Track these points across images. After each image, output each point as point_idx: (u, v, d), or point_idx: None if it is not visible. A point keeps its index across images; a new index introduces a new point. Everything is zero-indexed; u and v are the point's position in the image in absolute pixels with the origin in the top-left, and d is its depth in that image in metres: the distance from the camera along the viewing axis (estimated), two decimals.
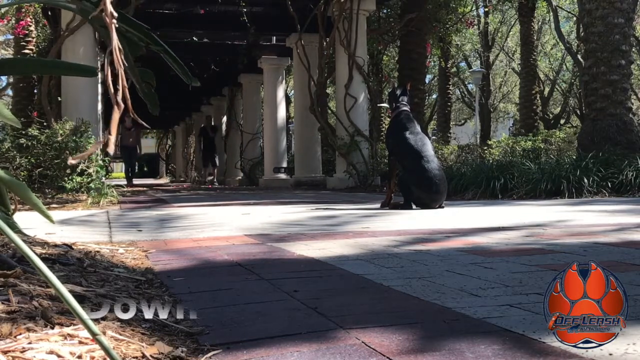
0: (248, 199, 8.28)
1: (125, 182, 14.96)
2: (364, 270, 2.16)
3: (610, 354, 1.13)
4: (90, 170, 6.67)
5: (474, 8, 20.73)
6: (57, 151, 6.60)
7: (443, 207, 5.44)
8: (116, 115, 0.89)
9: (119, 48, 0.88)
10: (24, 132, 6.65)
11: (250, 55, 15.38)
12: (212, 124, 20.83)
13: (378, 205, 5.80)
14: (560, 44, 21.74)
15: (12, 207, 1.85)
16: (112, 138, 0.88)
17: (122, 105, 0.89)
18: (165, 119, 29.50)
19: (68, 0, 1.61)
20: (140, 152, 16.07)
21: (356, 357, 1.16)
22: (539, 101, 19.90)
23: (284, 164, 15.54)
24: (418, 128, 5.66)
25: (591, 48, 8.94)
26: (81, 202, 6.36)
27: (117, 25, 0.89)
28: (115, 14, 0.89)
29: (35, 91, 13.71)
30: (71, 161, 0.99)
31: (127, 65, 1.43)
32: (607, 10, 8.73)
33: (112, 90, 0.89)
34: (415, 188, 5.40)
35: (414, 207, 5.45)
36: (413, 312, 1.52)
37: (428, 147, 5.49)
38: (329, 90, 16.29)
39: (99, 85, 9.49)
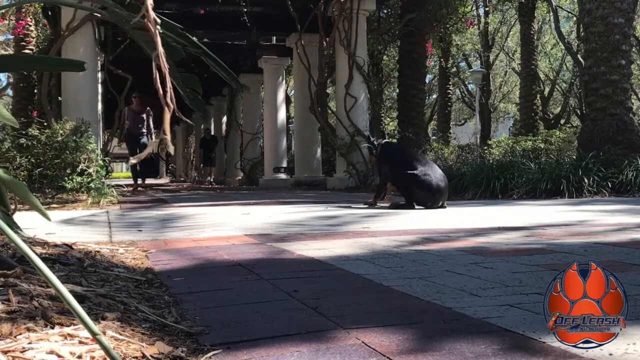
0: (248, 199, 8.28)
1: (133, 182, 12.42)
2: (364, 270, 2.16)
3: (610, 354, 1.13)
4: (90, 170, 6.67)
5: (474, 8, 20.73)
6: (57, 151, 6.59)
7: (445, 207, 5.46)
8: (167, 116, 0.90)
9: (163, 52, 0.90)
10: (24, 132, 6.64)
11: (254, 56, 15.34)
12: (212, 134, 20.78)
13: (378, 201, 5.85)
14: (560, 44, 21.73)
15: (12, 206, 1.85)
16: (168, 137, 0.90)
17: (172, 106, 0.91)
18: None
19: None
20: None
21: (356, 357, 1.16)
22: (539, 101, 19.87)
23: (284, 164, 15.54)
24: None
25: (591, 48, 8.94)
26: (81, 202, 6.36)
27: (161, 31, 0.90)
28: (159, 20, 0.90)
29: (35, 91, 13.71)
30: (132, 161, 1.02)
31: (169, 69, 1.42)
32: (607, 10, 8.73)
33: (161, 92, 0.90)
34: (416, 188, 5.42)
35: (415, 207, 5.46)
36: (413, 312, 1.52)
37: (425, 156, 5.80)
38: (329, 90, 16.29)
39: (99, 85, 9.48)
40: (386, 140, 6.15)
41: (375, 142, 5.96)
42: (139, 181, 12.44)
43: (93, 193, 6.58)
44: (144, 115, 11.74)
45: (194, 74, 1.67)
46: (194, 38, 1.49)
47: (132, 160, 1.01)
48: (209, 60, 1.50)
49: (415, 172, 5.40)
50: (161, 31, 0.90)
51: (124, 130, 11.66)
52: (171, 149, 0.93)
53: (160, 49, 0.90)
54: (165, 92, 0.90)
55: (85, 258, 2.18)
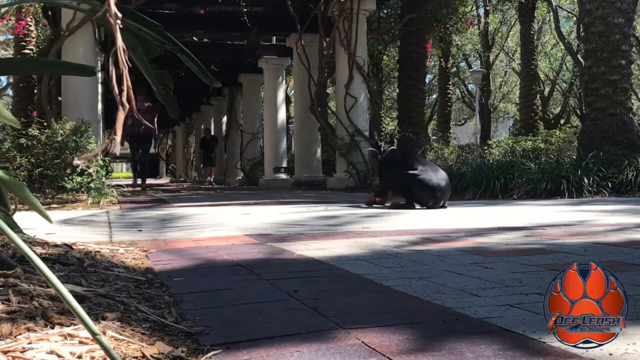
0: (248, 199, 8.29)
1: (132, 182, 12.33)
2: (364, 270, 2.16)
3: (610, 354, 1.13)
4: (91, 170, 6.67)
5: (474, 8, 20.73)
6: (57, 151, 6.59)
7: (445, 207, 5.47)
8: (121, 116, 0.88)
9: (123, 48, 0.88)
10: (24, 132, 6.64)
11: (254, 55, 15.34)
12: (212, 134, 20.79)
13: (378, 202, 5.85)
14: (560, 44, 21.72)
15: (12, 207, 1.85)
16: (118, 139, 0.88)
17: (127, 106, 0.89)
18: (165, 119, 29.55)
19: None
20: (155, 143, 11.58)
21: (356, 357, 1.16)
22: (539, 101, 19.88)
23: (284, 164, 15.54)
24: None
25: (591, 48, 8.94)
26: (81, 202, 6.36)
27: (121, 26, 0.89)
28: (119, 14, 0.89)
29: (35, 91, 13.70)
30: (76, 162, 0.99)
31: (141, 66, 1.41)
32: (607, 10, 8.73)
33: (117, 90, 0.88)
34: (416, 187, 5.43)
35: (416, 206, 5.47)
36: (413, 312, 1.52)
37: (428, 159, 5.76)
38: (329, 90, 16.29)
39: (99, 85, 9.48)
40: (392, 147, 6.04)
41: (382, 148, 5.91)
42: (139, 181, 12.29)
43: (93, 193, 6.58)
44: (148, 115, 11.24)
45: (194, 75, 1.68)
46: (170, 35, 1.49)
47: (77, 161, 0.98)
48: (184, 56, 1.51)
49: (415, 171, 5.41)
50: (121, 26, 0.89)
51: (127, 129, 11.14)
52: (117, 150, 0.91)
53: (120, 44, 0.89)
54: (121, 91, 0.89)
55: (85, 258, 2.18)
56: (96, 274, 1.92)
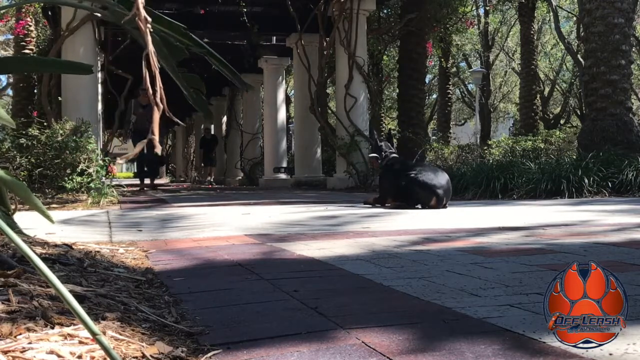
0: (248, 199, 8.28)
1: (150, 182, 11.78)
2: (364, 270, 2.16)
3: (610, 354, 1.13)
4: (91, 170, 6.67)
5: (474, 8, 20.73)
6: (57, 151, 6.59)
7: (446, 207, 5.47)
8: (157, 116, 0.90)
9: (153, 51, 0.88)
10: (24, 132, 6.65)
11: (254, 55, 15.34)
12: (212, 133, 20.78)
13: (378, 205, 5.83)
14: (560, 44, 21.72)
15: (12, 207, 1.85)
16: (157, 138, 0.89)
17: (162, 106, 0.90)
18: (165, 119, 29.50)
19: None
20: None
21: (356, 357, 1.16)
22: (539, 101, 19.88)
23: (284, 164, 15.54)
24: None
25: (591, 48, 8.95)
26: (81, 202, 6.36)
27: (151, 30, 0.89)
28: (149, 18, 0.89)
29: (35, 91, 13.70)
30: (119, 161, 1.00)
31: (168, 68, 1.40)
32: (607, 10, 8.73)
33: (151, 91, 0.89)
34: (417, 187, 5.43)
35: (417, 206, 5.47)
36: (413, 312, 1.52)
37: (427, 162, 5.74)
38: (329, 90, 16.28)
39: (99, 85, 9.48)
40: (394, 155, 5.99)
41: (382, 150, 5.90)
42: (147, 181, 11.80)
43: (93, 193, 6.58)
44: (151, 109, 10.93)
45: (194, 74, 1.66)
46: (202, 40, 1.48)
47: (120, 160, 1.00)
48: (212, 59, 1.50)
49: (415, 171, 5.42)
50: (151, 29, 0.90)
51: (129, 125, 10.75)
52: (158, 150, 0.93)
53: (151, 47, 0.89)
54: (155, 91, 0.90)
55: (85, 258, 2.18)
56: (96, 274, 1.92)
